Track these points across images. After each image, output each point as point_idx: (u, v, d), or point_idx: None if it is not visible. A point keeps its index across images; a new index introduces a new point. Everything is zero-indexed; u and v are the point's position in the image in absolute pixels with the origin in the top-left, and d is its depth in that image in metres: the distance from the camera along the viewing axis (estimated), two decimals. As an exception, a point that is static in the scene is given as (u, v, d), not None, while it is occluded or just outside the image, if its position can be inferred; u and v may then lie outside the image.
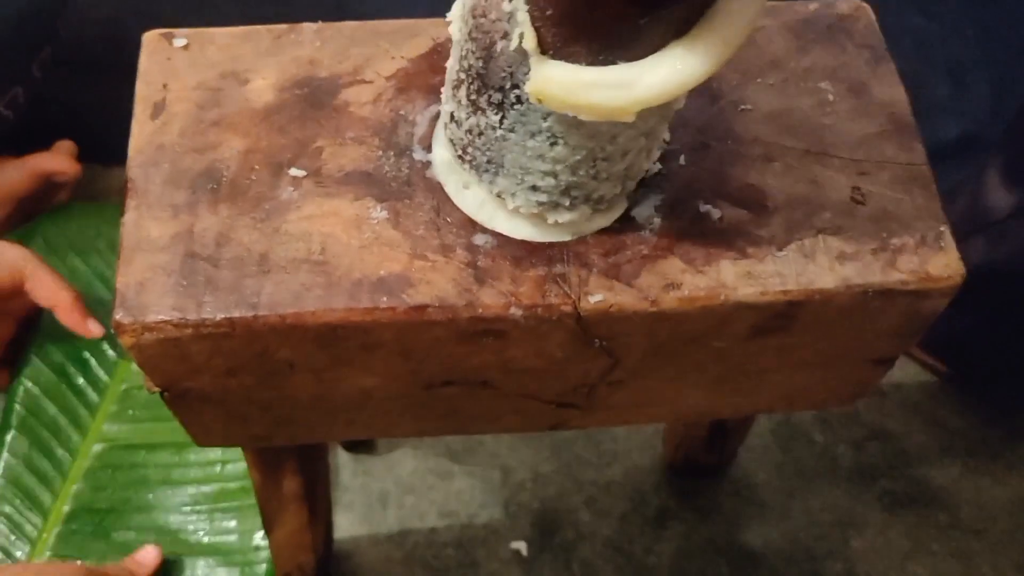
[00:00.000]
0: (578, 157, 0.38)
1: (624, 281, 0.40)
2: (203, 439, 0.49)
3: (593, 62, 0.34)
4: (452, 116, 0.40)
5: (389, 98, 0.44)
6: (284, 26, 0.46)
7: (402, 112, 0.44)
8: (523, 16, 0.33)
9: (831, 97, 0.45)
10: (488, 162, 0.40)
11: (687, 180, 0.43)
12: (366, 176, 0.42)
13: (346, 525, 0.79)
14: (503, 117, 0.37)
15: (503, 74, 0.36)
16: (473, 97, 0.38)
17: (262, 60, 0.45)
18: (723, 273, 0.41)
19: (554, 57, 0.34)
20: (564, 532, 0.80)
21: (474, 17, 0.36)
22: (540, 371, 0.44)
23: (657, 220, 0.42)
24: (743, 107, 0.44)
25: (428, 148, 0.43)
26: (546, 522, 0.80)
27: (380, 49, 0.46)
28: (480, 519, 0.81)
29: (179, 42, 0.45)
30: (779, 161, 0.43)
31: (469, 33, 0.37)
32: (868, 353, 0.46)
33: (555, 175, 0.39)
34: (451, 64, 0.40)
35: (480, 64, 0.37)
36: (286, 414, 0.46)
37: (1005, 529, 0.84)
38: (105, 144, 0.95)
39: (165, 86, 0.44)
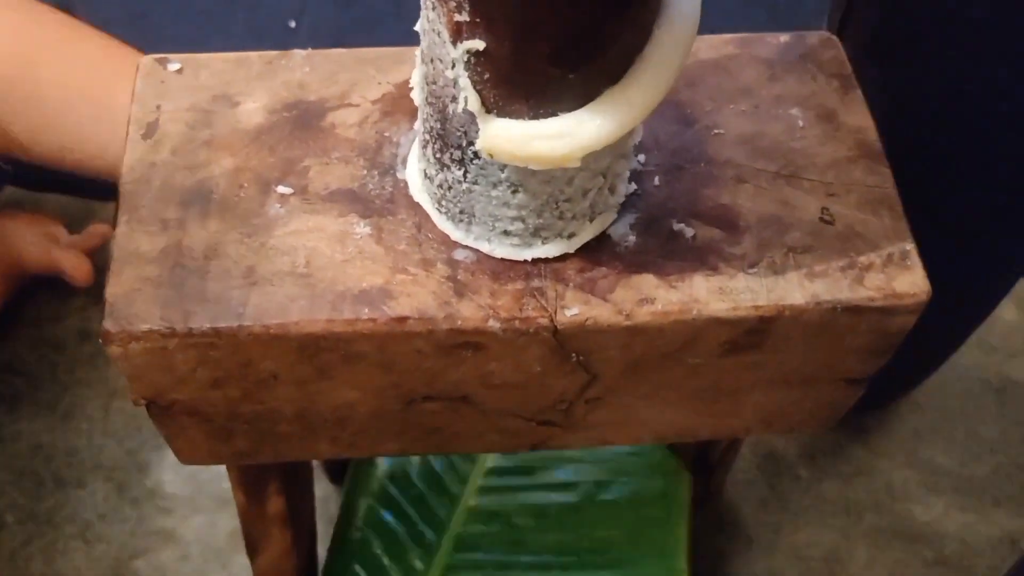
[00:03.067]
0: (540, 201, 0.40)
1: (599, 296, 0.42)
2: (188, 456, 0.49)
3: (535, 116, 0.36)
4: (425, 173, 0.43)
5: (375, 120, 0.46)
6: (275, 52, 0.48)
7: (387, 134, 0.45)
8: (464, 82, 0.36)
9: (801, 123, 0.46)
10: (461, 212, 0.42)
11: (661, 200, 0.44)
12: (351, 194, 0.44)
13: (332, 556, 0.79)
14: (466, 172, 0.40)
15: (459, 133, 0.39)
16: (438, 155, 0.41)
17: (253, 84, 0.47)
18: (696, 289, 0.42)
19: (499, 115, 0.37)
20: (550, 565, 0.80)
21: (427, 84, 0.39)
22: (519, 386, 0.45)
23: (632, 238, 0.43)
24: (716, 131, 0.46)
25: None
26: (532, 555, 0.80)
27: (366, 75, 0.47)
28: (466, 552, 0.81)
29: (173, 66, 0.47)
30: (751, 183, 0.45)
31: (426, 99, 0.40)
32: (840, 372, 0.47)
33: (523, 220, 0.41)
34: (417, 126, 0.43)
35: (439, 126, 0.40)
36: (270, 428, 0.47)
37: (990, 565, 0.84)
38: (96, 181, 0.98)
39: (158, 107, 0.46)
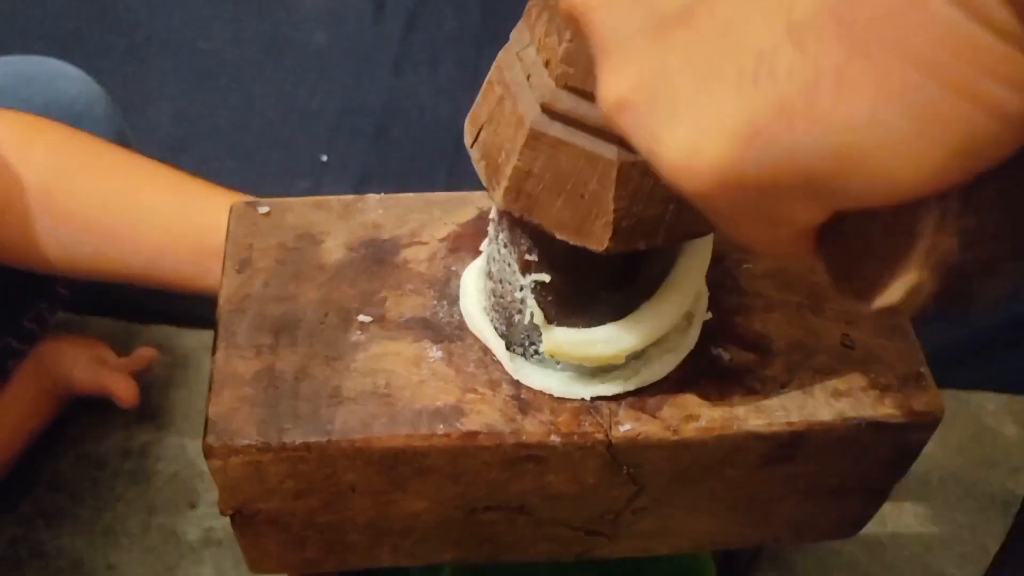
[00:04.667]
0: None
1: (649, 413, 0.46)
2: (259, 565, 0.53)
3: (588, 324, 0.44)
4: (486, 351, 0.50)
5: (442, 256, 0.51)
6: (351, 196, 0.54)
7: (453, 268, 0.51)
8: (531, 302, 0.44)
9: (820, 258, 0.52)
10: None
11: (701, 327, 0.49)
12: (423, 322, 0.49)
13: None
14: (526, 360, 0.47)
15: (523, 336, 0.46)
16: (502, 349, 0.48)
17: (333, 224, 0.52)
18: (735, 407, 0.47)
19: (558, 325, 0.45)
20: None
21: (495, 296, 0.47)
22: (572, 497, 0.49)
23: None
24: (745, 265, 0.52)
25: None
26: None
27: (434, 216, 0.53)
28: (496, 666, 0.82)
29: (262, 209, 0.53)
30: (778, 311, 0.50)
31: (493, 306, 0.47)
32: (864, 483, 0.51)
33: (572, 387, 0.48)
34: (482, 327, 0.49)
35: (504, 328, 0.47)
36: (339, 538, 0.51)
37: (1007, 678, 0.86)
38: (139, 304, 1.03)
39: (251, 245, 0.51)
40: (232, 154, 1.18)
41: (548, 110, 0.35)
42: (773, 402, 0.47)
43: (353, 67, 1.23)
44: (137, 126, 1.09)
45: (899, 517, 0.95)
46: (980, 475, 1.01)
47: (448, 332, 0.49)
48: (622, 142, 0.34)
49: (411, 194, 0.54)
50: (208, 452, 0.45)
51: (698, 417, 0.46)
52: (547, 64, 0.35)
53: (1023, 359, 1.07)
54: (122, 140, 0.93)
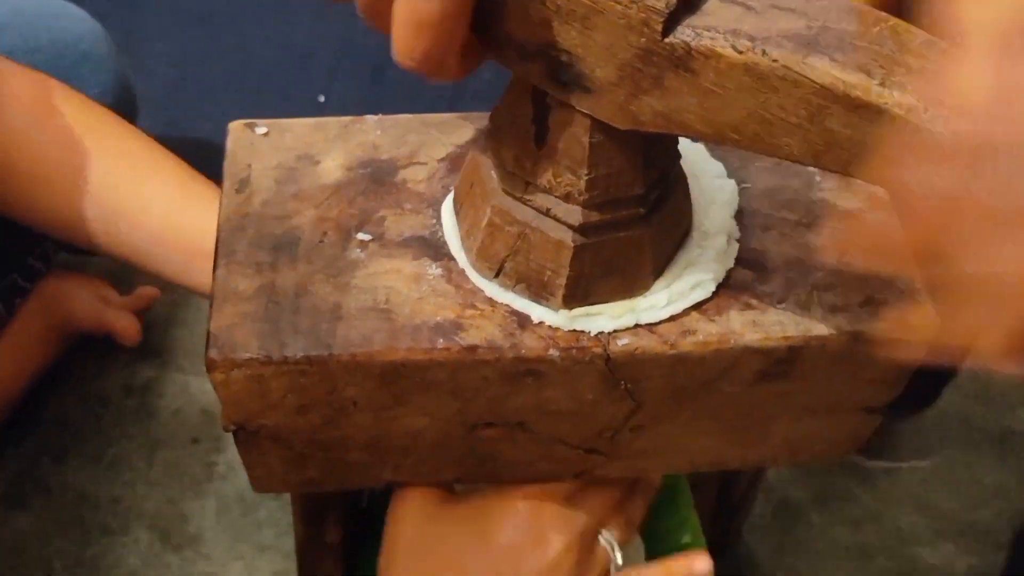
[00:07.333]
0: None
1: (646, 328, 0.47)
2: (263, 483, 0.54)
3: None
4: None
5: (441, 176, 0.52)
6: (349, 118, 0.54)
7: (452, 187, 0.51)
8: None
9: (818, 178, 0.52)
10: None
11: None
12: (422, 240, 0.49)
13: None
14: None
15: None
16: None
17: (332, 145, 0.52)
18: (732, 322, 0.47)
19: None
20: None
21: None
22: (572, 413, 0.50)
23: (673, 277, 0.49)
24: (743, 185, 0.52)
25: None
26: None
27: (432, 137, 0.53)
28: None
29: (260, 130, 0.53)
30: (776, 230, 0.50)
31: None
32: (860, 400, 0.52)
33: None
34: None
35: None
36: (341, 456, 0.51)
37: (998, 604, 0.88)
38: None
39: (249, 166, 0.51)
40: (229, 96, 1.17)
41: (583, 228, 0.43)
42: (770, 317, 0.47)
43: (351, 7, 1.22)
44: (134, 69, 1.08)
45: (896, 452, 0.96)
46: (977, 411, 1.02)
47: (447, 251, 0.49)
48: (644, 219, 0.44)
49: (409, 115, 0.54)
50: (210, 366, 0.45)
51: (695, 332, 0.47)
52: (567, 197, 0.42)
53: None
54: (124, 81, 0.92)
